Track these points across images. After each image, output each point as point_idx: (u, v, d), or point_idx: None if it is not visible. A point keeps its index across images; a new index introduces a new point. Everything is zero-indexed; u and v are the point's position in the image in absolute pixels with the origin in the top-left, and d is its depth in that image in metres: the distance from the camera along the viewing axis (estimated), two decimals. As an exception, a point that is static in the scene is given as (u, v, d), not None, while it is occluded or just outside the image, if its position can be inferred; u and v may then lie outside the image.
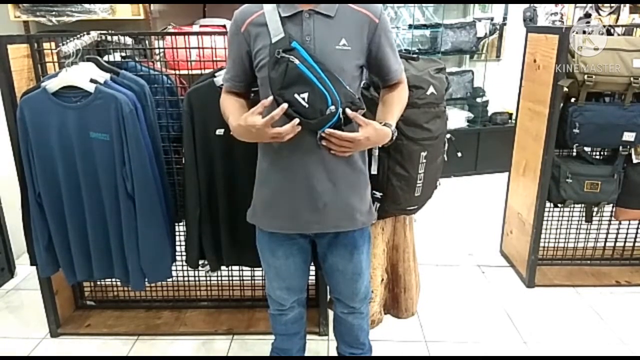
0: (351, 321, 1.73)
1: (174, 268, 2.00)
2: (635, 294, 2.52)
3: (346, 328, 1.77)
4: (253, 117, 1.28)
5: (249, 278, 2.36)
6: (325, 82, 1.26)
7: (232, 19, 1.40)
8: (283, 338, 1.80)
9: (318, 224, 1.45)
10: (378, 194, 1.87)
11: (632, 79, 2.19)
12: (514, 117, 2.84)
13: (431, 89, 1.82)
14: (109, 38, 1.94)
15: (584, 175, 2.40)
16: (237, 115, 1.36)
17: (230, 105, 1.44)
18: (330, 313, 1.95)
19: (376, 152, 1.80)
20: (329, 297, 1.98)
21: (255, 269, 2.17)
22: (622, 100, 2.29)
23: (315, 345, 2.12)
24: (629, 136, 2.29)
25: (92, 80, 1.72)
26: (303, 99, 1.25)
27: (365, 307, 1.73)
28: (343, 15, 1.35)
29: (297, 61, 1.25)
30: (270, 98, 1.29)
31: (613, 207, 2.56)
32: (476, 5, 4.45)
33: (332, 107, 1.25)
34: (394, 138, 1.42)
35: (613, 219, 2.63)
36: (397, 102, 1.49)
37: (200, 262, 2.01)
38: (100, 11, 2.72)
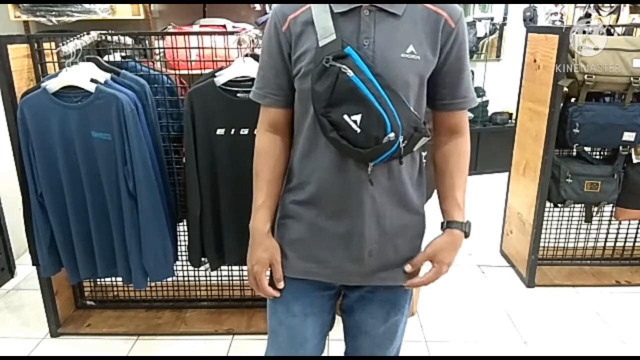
0: None
1: (174, 268, 2.00)
2: (635, 294, 2.52)
3: None
4: (262, 279, 1.15)
5: (249, 278, 2.36)
6: (385, 101, 0.97)
7: (270, 16, 1.09)
8: None
9: (359, 275, 1.15)
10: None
11: (632, 78, 2.19)
12: (514, 117, 2.85)
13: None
14: (109, 38, 1.94)
15: (584, 175, 2.40)
16: (259, 215, 1.16)
17: (261, 176, 1.15)
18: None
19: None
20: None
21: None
22: (622, 100, 2.29)
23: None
24: (629, 136, 2.30)
25: (92, 80, 1.72)
26: (355, 121, 0.98)
27: None
28: (412, 14, 1.03)
29: (350, 72, 0.96)
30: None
31: (613, 207, 2.56)
32: (476, 5, 4.45)
33: (392, 135, 0.97)
34: (469, 234, 1.17)
35: (613, 219, 2.64)
36: (460, 171, 1.18)
37: (202, 259, 2.01)
38: (100, 11, 2.72)
